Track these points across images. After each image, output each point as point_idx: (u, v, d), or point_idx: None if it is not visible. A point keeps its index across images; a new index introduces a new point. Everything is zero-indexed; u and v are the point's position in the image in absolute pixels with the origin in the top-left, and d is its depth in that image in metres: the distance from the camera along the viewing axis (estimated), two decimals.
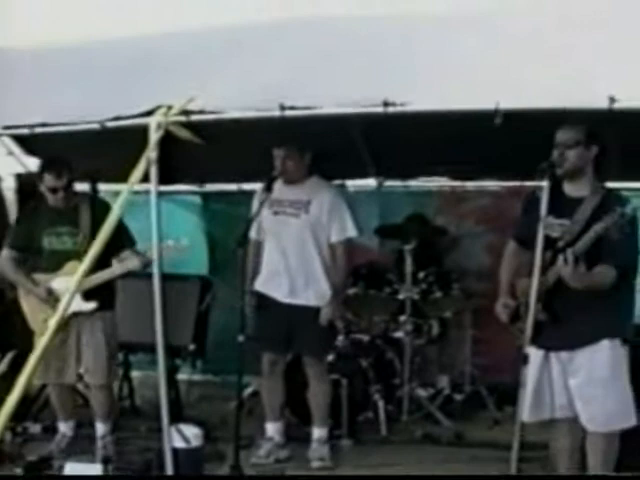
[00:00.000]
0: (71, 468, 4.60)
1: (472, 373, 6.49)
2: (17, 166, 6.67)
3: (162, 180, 4.38)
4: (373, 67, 4.51)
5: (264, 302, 5.29)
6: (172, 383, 5.83)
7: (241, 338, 4.56)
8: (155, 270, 4.45)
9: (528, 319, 3.96)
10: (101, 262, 4.75)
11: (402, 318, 6.23)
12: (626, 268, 3.92)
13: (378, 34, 4.81)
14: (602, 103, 4.05)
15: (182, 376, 6.48)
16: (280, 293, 5.26)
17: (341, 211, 5.24)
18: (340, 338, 5.89)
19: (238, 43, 5.04)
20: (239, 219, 5.72)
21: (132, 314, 5.61)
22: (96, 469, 4.66)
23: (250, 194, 5.45)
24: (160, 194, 4.45)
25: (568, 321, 3.95)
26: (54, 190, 5.08)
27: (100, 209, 5.01)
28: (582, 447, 4.12)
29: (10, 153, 6.61)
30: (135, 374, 6.56)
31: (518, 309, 4.15)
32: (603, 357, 3.93)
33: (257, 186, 5.38)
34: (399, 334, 6.28)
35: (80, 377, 5.32)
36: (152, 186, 4.35)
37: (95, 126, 4.80)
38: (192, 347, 6.25)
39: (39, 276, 5.20)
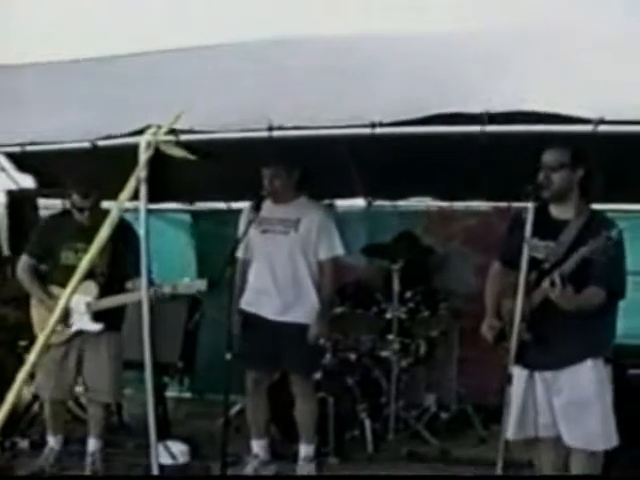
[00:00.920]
0: None
1: (458, 392, 6.50)
2: (8, 182, 6.72)
3: (151, 198, 4.40)
4: (361, 87, 4.54)
5: (251, 320, 5.30)
6: (160, 400, 5.81)
7: (228, 356, 4.57)
8: (143, 289, 4.50)
9: (512, 339, 4.00)
10: (115, 285, 4.86)
11: (389, 337, 6.23)
12: (613, 290, 3.95)
13: (365, 53, 4.84)
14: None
15: (170, 393, 6.48)
16: (269, 310, 5.26)
17: (329, 230, 5.27)
18: (327, 356, 5.91)
19: (229, 62, 5.09)
20: (228, 238, 5.72)
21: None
22: None
23: (239, 213, 5.46)
24: (149, 212, 4.49)
25: (552, 341, 3.98)
26: (81, 210, 5.13)
27: (121, 231, 5.02)
28: (566, 465, 4.14)
29: (2, 169, 6.64)
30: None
31: (503, 329, 4.18)
32: (586, 377, 3.97)
33: (246, 205, 5.40)
34: (386, 353, 6.27)
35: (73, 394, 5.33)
36: (142, 204, 4.38)
37: (86, 144, 4.83)
38: (180, 365, 6.26)
39: (55, 289, 5.16)
